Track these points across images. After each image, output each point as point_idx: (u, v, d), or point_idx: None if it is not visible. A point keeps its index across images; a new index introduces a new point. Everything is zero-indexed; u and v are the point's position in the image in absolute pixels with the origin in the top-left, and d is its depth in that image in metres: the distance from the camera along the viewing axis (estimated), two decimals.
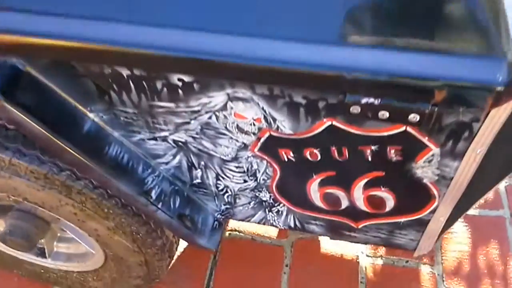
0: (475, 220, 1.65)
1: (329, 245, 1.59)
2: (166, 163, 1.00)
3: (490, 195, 1.68)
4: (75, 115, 0.89)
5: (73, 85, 0.84)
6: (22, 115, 0.80)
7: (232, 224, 1.68)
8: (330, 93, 0.70)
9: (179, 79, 0.76)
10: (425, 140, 0.77)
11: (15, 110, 0.79)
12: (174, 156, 0.98)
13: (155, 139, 0.93)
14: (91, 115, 0.90)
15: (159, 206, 1.00)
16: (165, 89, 0.79)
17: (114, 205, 1.05)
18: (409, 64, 0.61)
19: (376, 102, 0.65)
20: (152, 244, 1.14)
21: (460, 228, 1.64)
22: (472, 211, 1.62)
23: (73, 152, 0.88)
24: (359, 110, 0.67)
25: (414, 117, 0.67)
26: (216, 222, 1.13)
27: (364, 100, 0.65)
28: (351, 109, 0.67)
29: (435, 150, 0.78)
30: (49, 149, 0.88)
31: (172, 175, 1.03)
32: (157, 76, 0.76)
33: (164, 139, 0.93)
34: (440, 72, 0.61)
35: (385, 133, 0.77)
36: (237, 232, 1.66)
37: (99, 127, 0.92)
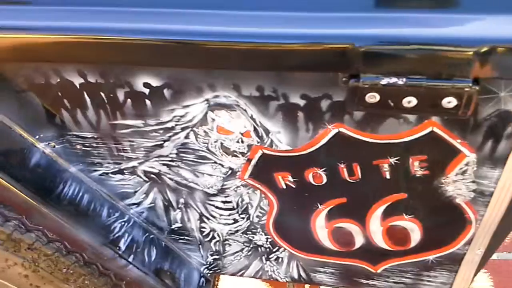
0: (494, 266, 1.44)
1: None
2: (137, 204, 0.82)
3: None
4: (19, 145, 0.72)
5: (14, 107, 0.68)
6: None
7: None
8: (336, 85, 0.54)
9: (146, 85, 0.61)
10: (457, 143, 0.61)
11: None
12: (147, 194, 0.80)
13: (121, 172, 0.76)
14: (40, 145, 0.73)
15: (130, 259, 0.81)
16: (128, 100, 0.64)
17: (75, 263, 0.84)
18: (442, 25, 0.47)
19: (401, 81, 0.50)
20: None
21: (479, 276, 1.43)
22: None
23: (19, 193, 0.71)
24: (378, 97, 0.52)
25: (449, 102, 0.51)
26: (202, 279, 0.92)
27: (384, 81, 0.50)
28: (367, 97, 0.52)
29: (470, 156, 0.62)
30: None
31: (145, 219, 0.84)
32: (118, 82, 0.61)
33: (133, 171, 0.75)
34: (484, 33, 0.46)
35: (406, 139, 0.61)
36: None
37: (51, 160, 0.75)
